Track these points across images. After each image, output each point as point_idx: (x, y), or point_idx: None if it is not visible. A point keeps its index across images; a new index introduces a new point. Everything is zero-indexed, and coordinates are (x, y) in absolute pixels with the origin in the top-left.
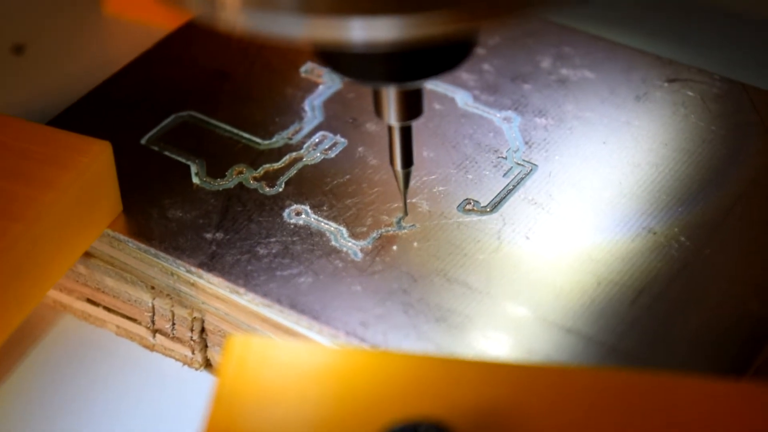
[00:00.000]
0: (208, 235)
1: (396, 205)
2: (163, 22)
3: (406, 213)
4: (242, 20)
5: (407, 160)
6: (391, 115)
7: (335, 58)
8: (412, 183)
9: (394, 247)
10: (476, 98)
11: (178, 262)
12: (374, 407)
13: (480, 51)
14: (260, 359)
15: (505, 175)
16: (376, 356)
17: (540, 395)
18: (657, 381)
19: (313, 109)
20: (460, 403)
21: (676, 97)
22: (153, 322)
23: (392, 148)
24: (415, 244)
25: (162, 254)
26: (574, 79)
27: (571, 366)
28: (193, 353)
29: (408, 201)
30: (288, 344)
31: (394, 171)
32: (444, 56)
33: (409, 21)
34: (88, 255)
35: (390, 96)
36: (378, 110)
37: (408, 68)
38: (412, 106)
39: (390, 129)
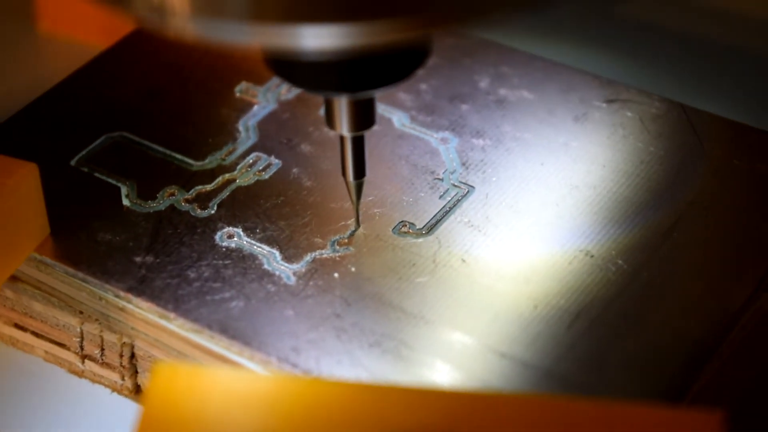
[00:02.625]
0: (138, 259)
1: (330, 227)
2: (98, 41)
3: (358, 225)
4: (191, 27)
5: (359, 171)
6: (343, 126)
7: (286, 67)
8: (346, 204)
9: (329, 271)
10: (413, 119)
11: (107, 286)
12: None
13: (417, 71)
14: (187, 386)
15: (441, 196)
16: (308, 383)
17: (474, 422)
18: (592, 408)
19: (247, 129)
20: (393, 430)
21: (614, 118)
22: (82, 347)
23: (344, 159)
24: (350, 267)
25: (90, 278)
26: (512, 99)
27: (506, 392)
28: (122, 379)
29: (342, 223)
30: (216, 371)
31: (347, 182)
32: (397, 65)
33: (359, 29)
34: (14, 279)
35: (342, 106)
36: (329, 121)
37: (360, 78)
38: (364, 116)
39: (342, 139)
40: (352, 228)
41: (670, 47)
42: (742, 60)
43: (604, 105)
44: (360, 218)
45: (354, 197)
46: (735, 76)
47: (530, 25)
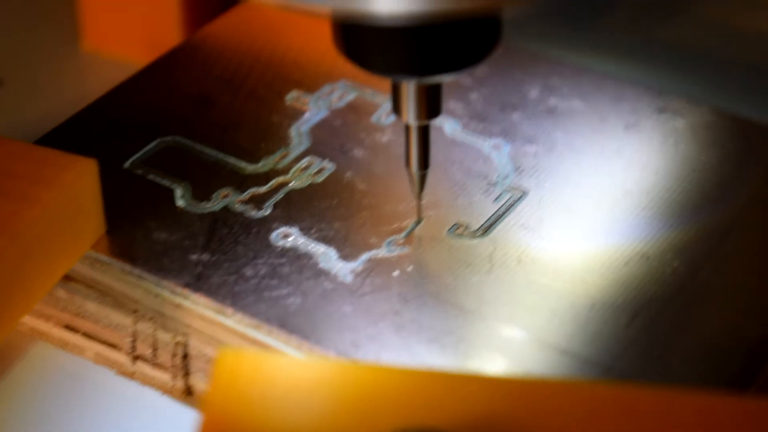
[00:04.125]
0: (194, 257)
1: (386, 228)
2: (141, 59)
3: (420, 218)
4: None
5: (424, 162)
6: (410, 114)
7: (356, 48)
8: (400, 206)
9: (385, 270)
10: (465, 126)
11: (163, 282)
12: (372, 421)
13: (467, 81)
14: (253, 373)
15: (495, 200)
16: (373, 370)
17: (539, 409)
18: (658, 395)
19: (299, 135)
20: (459, 416)
21: (666, 127)
22: (134, 348)
23: (409, 148)
24: (406, 266)
25: (146, 275)
26: (562, 108)
27: (571, 380)
28: (174, 380)
29: (396, 225)
30: (281, 357)
31: (410, 173)
32: (465, 50)
33: None
34: (67, 278)
35: (410, 92)
36: (396, 108)
37: (429, 60)
38: (431, 105)
39: (407, 128)
40: (414, 221)
41: (718, 60)
42: None
43: (655, 114)
44: (422, 211)
45: (417, 189)
46: None
47: (578, 40)
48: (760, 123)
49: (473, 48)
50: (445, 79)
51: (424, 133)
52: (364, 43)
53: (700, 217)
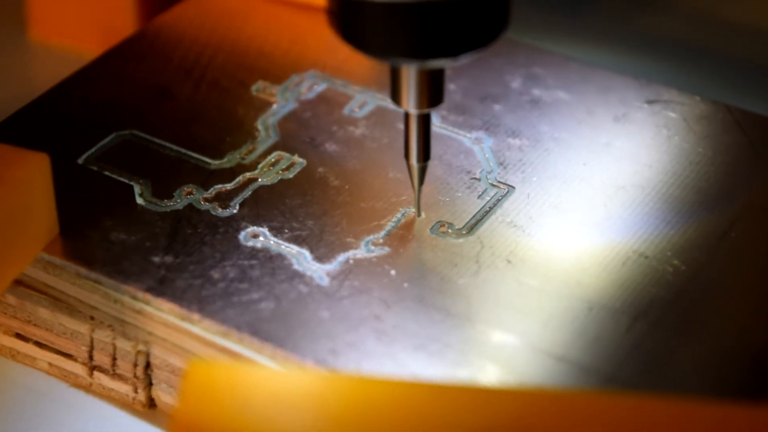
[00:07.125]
0: (156, 259)
1: (363, 227)
2: (93, 50)
3: (419, 213)
4: None
5: (424, 153)
6: (410, 101)
7: (353, 30)
8: (377, 204)
9: (364, 272)
10: (444, 119)
11: (123, 287)
12: None
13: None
14: (225, 386)
15: (480, 196)
16: (355, 381)
17: (537, 422)
18: (664, 406)
19: (266, 128)
20: (449, 430)
21: (657, 119)
22: (91, 357)
23: (408, 139)
24: (387, 268)
25: (104, 279)
26: (547, 99)
27: (570, 391)
28: (135, 392)
29: (375, 223)
30: (255, 369)
31: (409, 165)
32: (470, 32)
33: None
34: (18, 283)
35: (410, 78)
36: (395, 95)
37: (434, 42)
38: (433, 91)
39: (407, 117)
40: (393, 219)
41: (703, 50)
42: None
43: (646, 105)
44: (420, 206)
45: (416, 182)
46: None
47: (561, 28)
48: (755, 114)
49: (479, 32)
50: (448, 63)
51: (425, 123)
52: (362, 23)
53: (699, 212)
